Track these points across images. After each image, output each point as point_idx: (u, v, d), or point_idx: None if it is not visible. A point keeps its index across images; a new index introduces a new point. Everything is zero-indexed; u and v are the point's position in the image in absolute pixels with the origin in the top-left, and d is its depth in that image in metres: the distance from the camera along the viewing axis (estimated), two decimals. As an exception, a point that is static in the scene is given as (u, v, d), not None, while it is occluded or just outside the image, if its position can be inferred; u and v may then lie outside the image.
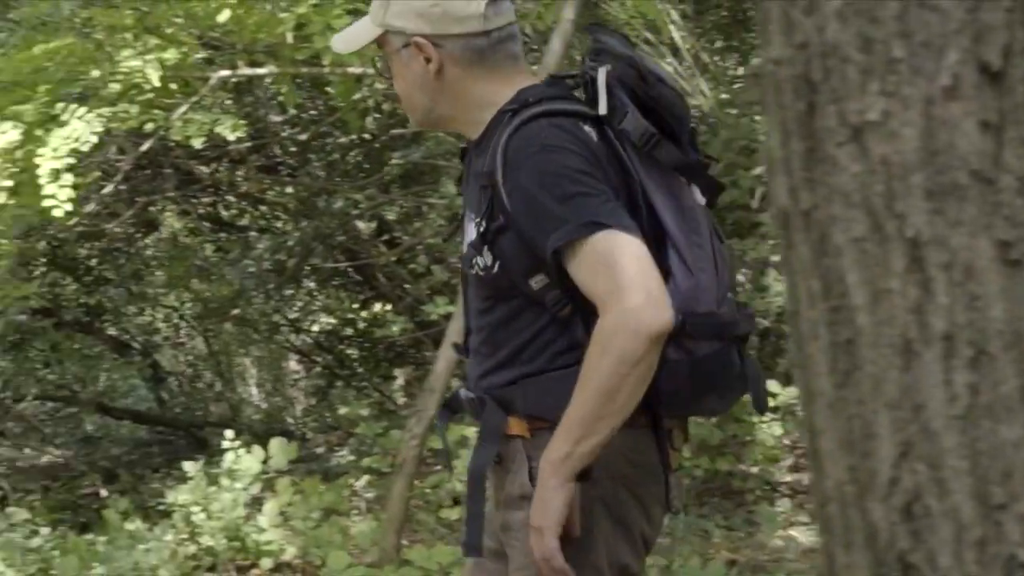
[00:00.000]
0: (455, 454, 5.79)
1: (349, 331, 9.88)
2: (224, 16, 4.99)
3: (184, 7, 5.42)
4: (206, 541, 5.86)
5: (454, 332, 5.22)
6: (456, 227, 2.75)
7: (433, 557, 5.36)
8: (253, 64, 5.68)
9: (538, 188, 2.42)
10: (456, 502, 6.37)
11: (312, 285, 9.48)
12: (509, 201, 2.45)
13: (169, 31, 5.41)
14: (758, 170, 6.41)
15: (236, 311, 8.92)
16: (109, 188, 6.45)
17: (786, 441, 7.09)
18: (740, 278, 6.88)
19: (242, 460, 6.16)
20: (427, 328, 8.05)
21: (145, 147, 5.95)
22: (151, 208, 8.63)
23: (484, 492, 2.61)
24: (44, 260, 9.14)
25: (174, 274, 9.62)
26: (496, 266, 2.51)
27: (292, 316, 9.82)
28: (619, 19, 6.24)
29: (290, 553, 6.06)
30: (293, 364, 11.19)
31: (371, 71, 5.59)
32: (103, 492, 7.96)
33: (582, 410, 2.37)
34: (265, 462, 6.29)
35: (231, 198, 9.04)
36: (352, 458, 8.02)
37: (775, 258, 6.50)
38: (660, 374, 2.41)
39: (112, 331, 10.74)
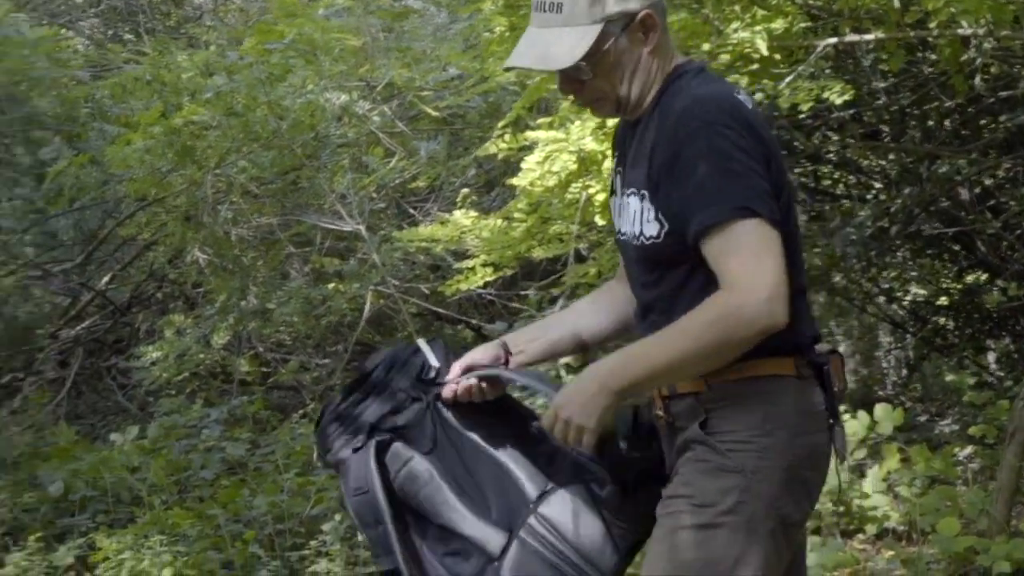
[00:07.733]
0: None
1: (943, 300, 9.61)
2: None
3: (794, -24, 5.49)
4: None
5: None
6: None
7: (1048, 530, 5.14)
8: (857, 31, 5.64)
9: (698, 162, 2.38)
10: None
11: (906, 254, 9.28)
12: (672, 170, 2.44)
13: (774, 2, 5.51)
14: None
15: (837, 279, 8.87)
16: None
17: None
18: None
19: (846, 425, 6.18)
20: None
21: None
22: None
23: None
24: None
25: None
26: (662, 234, 2.49)
27: (884, 286, 9.66)
28: None
29: (894, 519, 6.03)
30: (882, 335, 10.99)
31: (981, 31, 5.42)
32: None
33: (662, 358, 2.40)
34: (871, 428, 6.30)
35: (825, 168, 8.99)
36: (956, 428, 7.83)
37: None
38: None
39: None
